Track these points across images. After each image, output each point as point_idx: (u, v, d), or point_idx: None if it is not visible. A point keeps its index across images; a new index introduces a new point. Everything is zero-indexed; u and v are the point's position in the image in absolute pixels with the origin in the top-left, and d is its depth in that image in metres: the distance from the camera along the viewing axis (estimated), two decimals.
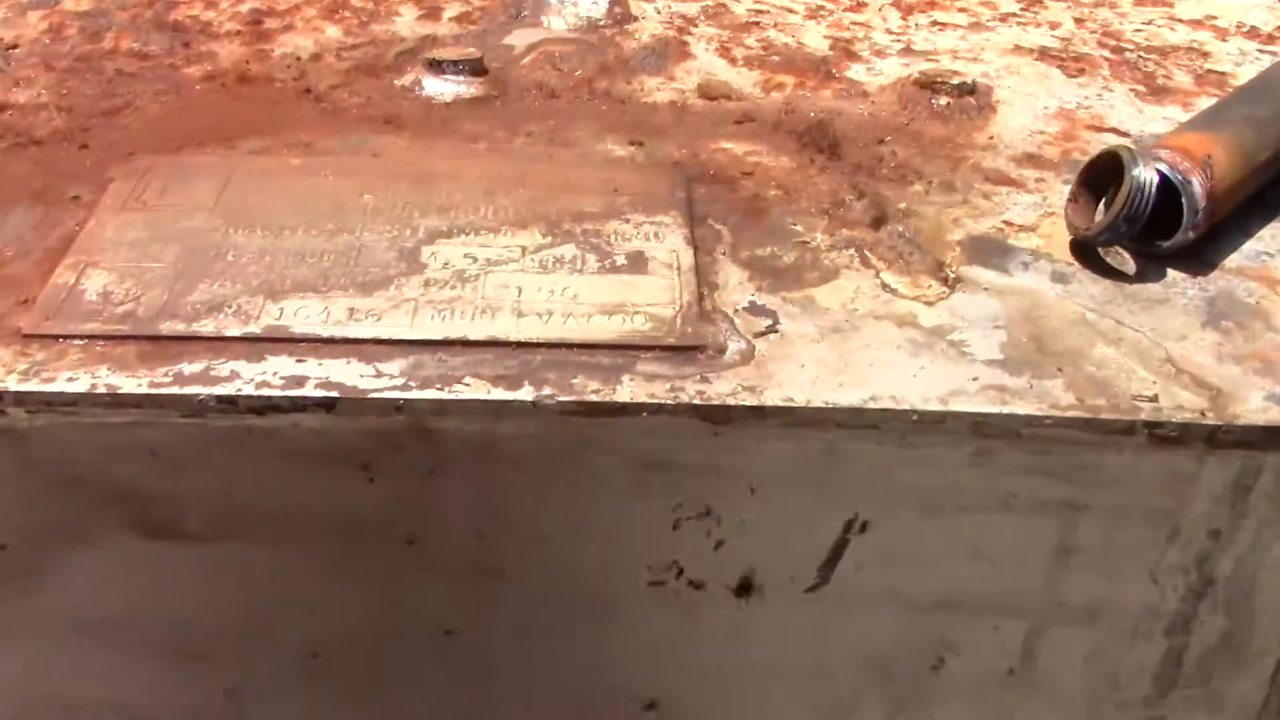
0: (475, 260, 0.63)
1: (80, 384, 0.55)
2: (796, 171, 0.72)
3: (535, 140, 0.75)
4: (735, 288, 0.62)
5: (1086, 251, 0.66)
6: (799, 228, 0.67)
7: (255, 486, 0.58)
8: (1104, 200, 0.67)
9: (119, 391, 0.55)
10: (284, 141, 0.73)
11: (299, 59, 0.83)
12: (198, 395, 0.55)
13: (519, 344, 0.58)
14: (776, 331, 0.60)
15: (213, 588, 0.62)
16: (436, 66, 0.79)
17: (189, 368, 0.56)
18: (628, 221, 0.67)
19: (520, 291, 0.61)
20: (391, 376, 0.56)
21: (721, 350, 0.58)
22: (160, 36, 0.85)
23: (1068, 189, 0.69)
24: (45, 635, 0.62)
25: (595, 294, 0.61)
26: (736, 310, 0.61)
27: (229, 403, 0.55)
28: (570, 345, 0.58)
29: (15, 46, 0.83)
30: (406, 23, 0.89)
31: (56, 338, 0.57)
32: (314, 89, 0.79)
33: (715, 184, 0.71)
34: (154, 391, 0.55)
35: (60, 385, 0.55)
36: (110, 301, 0.59)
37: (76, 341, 0.57)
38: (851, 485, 0.59)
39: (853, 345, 0.59)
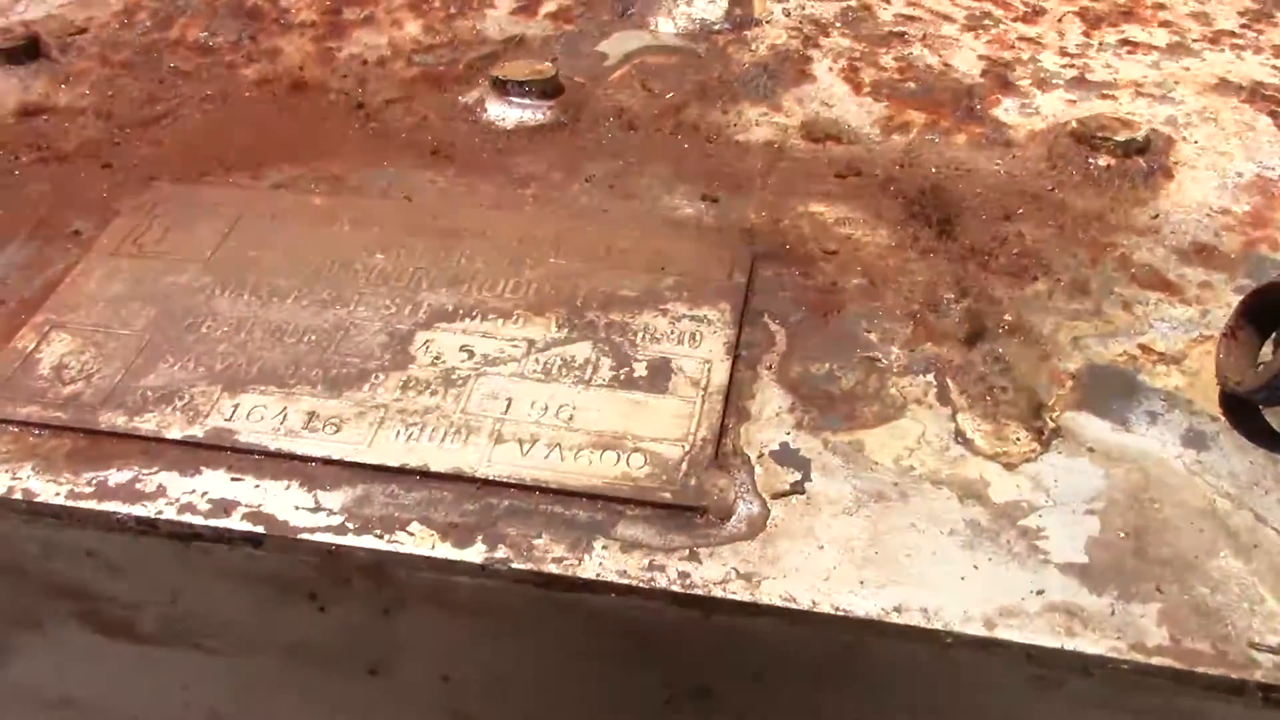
0: (470, 355, 0.54)
1: None
2: (893, 252, 0.59)
3: (594, 188, 0.64)
4: (770, 420, 0.51)
5: (1239, 403, 0.52)
6: (873, 336, 0.55)
7: (201, 598, 0.52)
8: (1274, 337, 0.52)
9: (35, 500, 0.49)
10: (314, 172, 0.65)
11: (365, 62, 0.74)
12: (115, 514, 0.48)
13: (485, 482, 0.48)
14: (802, 492, 0.48)
15: (168, 688, 0.56)
16: (502, 87, 0.69)
17: (116, 476, 0.49)
18: (665, 314, 0.56)
19: (509, 405, 0.51)
20: (330, 512, 0.48)
21: (726, 515, 0.47)
22: (231, 24, 0.78)
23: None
24: (4, 707, 0.59)
25: (595, 417, 0.51)
26: (762, 454, 0.49)
27: (149, 525, 0.48)
28: (545, 489, 0.48)
29: (84, 30, 0.78)
30: (498, 18, 0.78)
31: None
32: (367, 104, 0.70)
33: (788, 264, 0.59)
34: (70, 504, 0.49)
35: None
36: (60, 379, 0.53)
37: (11, 428, 0.51)
38: (882, 690, 0.47)
39: (894, 522, 0.47)
